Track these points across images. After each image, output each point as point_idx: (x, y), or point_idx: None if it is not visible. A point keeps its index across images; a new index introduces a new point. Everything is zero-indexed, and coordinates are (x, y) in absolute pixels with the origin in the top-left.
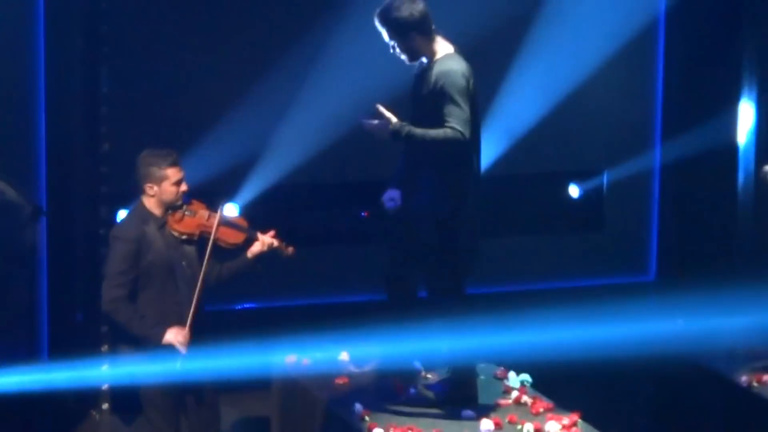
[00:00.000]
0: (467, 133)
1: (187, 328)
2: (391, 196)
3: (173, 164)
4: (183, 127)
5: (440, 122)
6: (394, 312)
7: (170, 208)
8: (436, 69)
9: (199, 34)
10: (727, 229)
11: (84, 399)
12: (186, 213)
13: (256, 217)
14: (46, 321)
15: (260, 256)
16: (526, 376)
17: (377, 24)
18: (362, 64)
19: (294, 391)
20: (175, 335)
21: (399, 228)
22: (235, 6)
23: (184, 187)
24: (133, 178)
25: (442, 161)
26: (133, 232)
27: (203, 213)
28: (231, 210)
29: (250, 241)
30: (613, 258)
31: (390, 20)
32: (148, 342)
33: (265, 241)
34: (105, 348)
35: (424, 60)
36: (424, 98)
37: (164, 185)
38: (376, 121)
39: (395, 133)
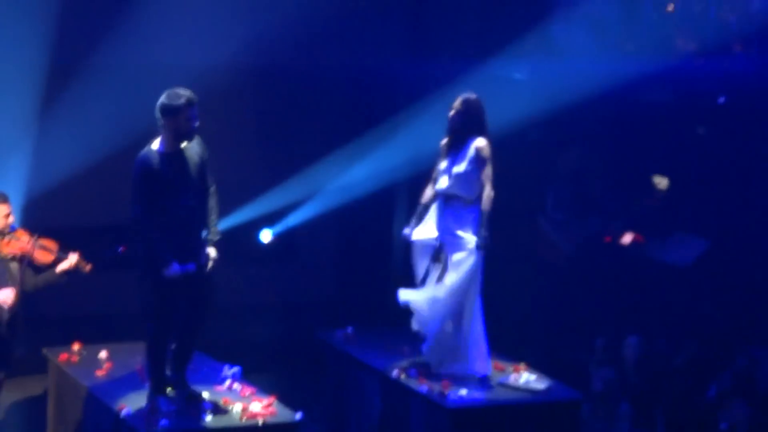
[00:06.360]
0: None
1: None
2: None
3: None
4: None
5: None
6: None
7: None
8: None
9: None
10: None
11: None
12: (12, 239)
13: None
14: None
15: (67, 271)
16: (236, 369)
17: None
18: None
19: (65, 378)
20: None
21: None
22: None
23: (10, 219)
24: None
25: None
26: None
27: (25, 238)
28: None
29: (60, 260)
30: None
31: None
32: None
33: (70, 260)
34: None
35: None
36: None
37: None
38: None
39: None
